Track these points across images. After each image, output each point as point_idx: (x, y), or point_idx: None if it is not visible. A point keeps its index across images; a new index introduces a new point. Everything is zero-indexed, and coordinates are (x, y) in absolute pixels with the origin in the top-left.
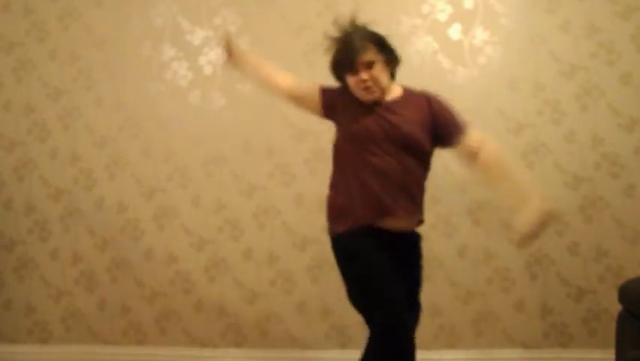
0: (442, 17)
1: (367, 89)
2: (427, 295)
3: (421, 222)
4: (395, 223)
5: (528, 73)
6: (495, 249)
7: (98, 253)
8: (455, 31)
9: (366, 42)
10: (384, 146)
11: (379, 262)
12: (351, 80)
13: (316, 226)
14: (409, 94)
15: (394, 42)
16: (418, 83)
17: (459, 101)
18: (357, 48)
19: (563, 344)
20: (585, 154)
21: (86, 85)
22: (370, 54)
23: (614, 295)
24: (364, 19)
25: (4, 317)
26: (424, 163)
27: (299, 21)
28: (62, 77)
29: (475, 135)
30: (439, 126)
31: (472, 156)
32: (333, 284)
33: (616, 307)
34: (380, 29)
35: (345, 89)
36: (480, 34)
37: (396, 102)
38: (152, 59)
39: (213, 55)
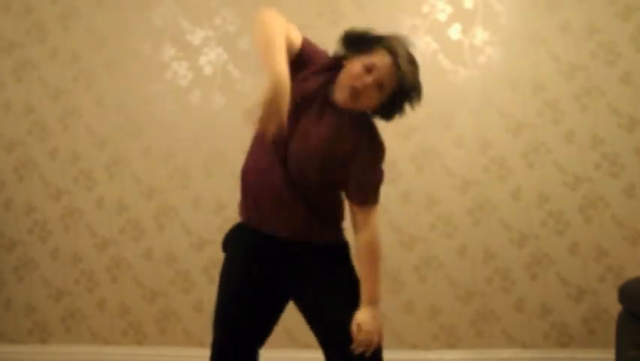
0: (442, 17)
1: (357, 91)
2: (427, 295)
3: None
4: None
5: (528, 73)
6: (495, 249)
7: (98, 253)
8: (455, 31)
9: (409, 73)
10: None
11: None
12: (355, 65)
13: None
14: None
15: None
16: None
17: (459, 101)
18: (402, 61)
19: (563, 344)
20: (585, 154)
21: (86, 85)
22: (398, 80)
23: (614, 295)
24: (364, 19)
25: (4, 317)
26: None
27: (299, 21)
28: (62, 77)
29: (368, 212)
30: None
31: (356, 227)
32: None
33: (616, 307)
34: (380, 29)
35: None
36: (480, 34)
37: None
38: (152, 59)
39: (213, 55)
